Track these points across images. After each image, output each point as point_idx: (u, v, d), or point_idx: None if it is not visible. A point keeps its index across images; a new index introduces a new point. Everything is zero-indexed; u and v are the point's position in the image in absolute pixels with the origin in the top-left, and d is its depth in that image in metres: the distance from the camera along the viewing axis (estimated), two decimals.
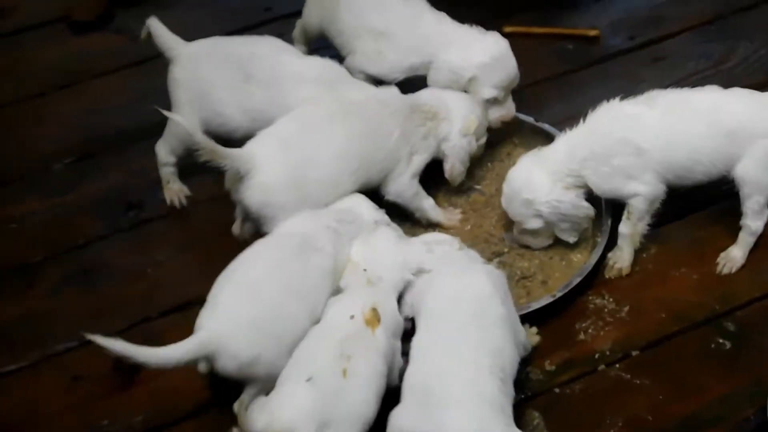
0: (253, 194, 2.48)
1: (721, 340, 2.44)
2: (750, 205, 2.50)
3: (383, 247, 2.41)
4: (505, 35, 3.21)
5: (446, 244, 2.42)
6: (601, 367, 2.41)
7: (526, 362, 2.36)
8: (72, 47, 3.47)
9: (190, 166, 2.70)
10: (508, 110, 2.87)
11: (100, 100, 3.24)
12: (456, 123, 2.70)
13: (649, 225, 2.56)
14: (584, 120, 2.58)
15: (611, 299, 2.55)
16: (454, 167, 2.70)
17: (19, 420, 2.40)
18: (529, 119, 2.92)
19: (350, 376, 2.14)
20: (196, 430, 2.36)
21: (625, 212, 2.54)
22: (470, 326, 2.16)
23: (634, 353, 2.44)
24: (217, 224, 2.70)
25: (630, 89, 3.01)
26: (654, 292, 2.56)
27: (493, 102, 2.82)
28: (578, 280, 2.51)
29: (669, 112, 2.50)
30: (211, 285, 2.30)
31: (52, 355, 2.52)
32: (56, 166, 3.04)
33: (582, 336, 2.48)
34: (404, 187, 2.63)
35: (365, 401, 2.14)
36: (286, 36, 3.06)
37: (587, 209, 2.54)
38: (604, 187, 2.53)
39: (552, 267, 2.62)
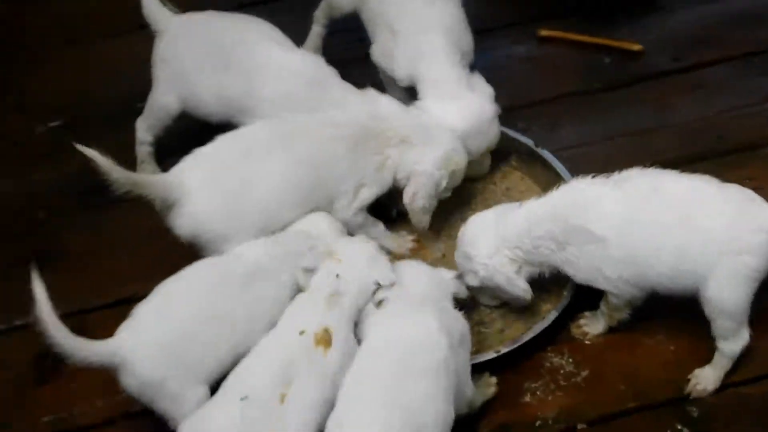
0: (183, 223, 2.33)
1: (679, 426, 2.21)
2: (717, 329, 2.21)
3: (359, 262, 2.24)
4: (539, 39, 3.02)
5: (419, 275, 2.24)
6: None
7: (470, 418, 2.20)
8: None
9: (167, 148, 2.59)
10: (481, 168, 2.66)
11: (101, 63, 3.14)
12: (434, 152, 2.46)
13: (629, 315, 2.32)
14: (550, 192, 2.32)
15: (571, 360, 2.34)
16: (416, 196, 2.45)
17: None
18: (529, 143, 2.68)
19: (288, 402, 2.01)
20: None
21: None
22: (392, 376, 1.98)
23: (579, 426, 2.23)
24: None
25: (657, 119, 2.81)
26: (620, 360, 2.34)
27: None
28: (528, 337, 2.31)
29: (635, 198, 2.21)
30: (157, 285, 2.19)
31: None
32: (39, 128, 2.95)
33: (528, 398, 2.29)
34: (348, 219, 2.43)
35: (304, 426, 2.01)
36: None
37: (523, 291, 2.30)
38: (579, 276, 2.27)
39: (514, 316, 2.41)
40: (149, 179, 2.33)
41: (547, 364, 2.34)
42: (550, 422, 2.24)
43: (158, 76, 2.65)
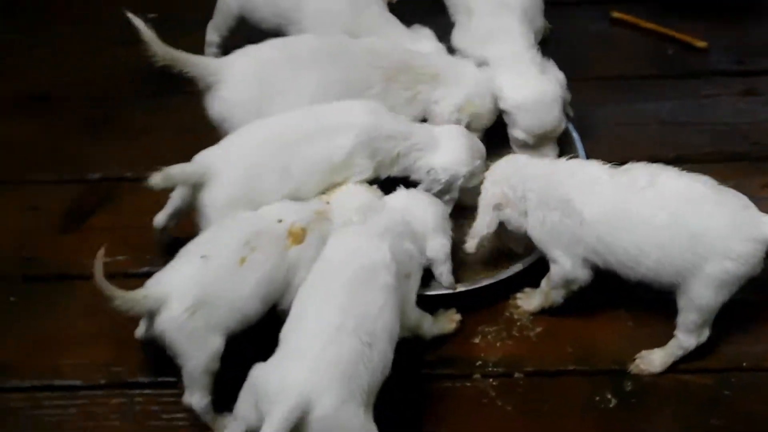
0: (216, 106, 2.50)
1: (608, 396, 2.29)
2: (683, 320, 2.26)
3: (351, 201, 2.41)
4: (611, 20, 3.10)
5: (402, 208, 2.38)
6: (476, 375, 2.34)
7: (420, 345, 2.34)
8: None
9: None
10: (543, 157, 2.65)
11: None
12: (455, 94, 2.60)
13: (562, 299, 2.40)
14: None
15: (530, 316, 2.44)
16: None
17: None
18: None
19: (246, 266, 2.17)
20: None
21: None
22: (347, 289, 2.11)
23: (516, 375, 2.34)
24: None
25: (699, 115, 2.85)
26: (575, 325, 2.42)
27: (523, 144, 2.65)
28: (486, 282, 2.42)
29: (629, 189, 2.26)
30: None
31: None
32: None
33: (478, 339, 2.40)
34: None
35: (251, 297, 2.17)
36: None
37: (483, 225, 2.38)
38: (541, 241, 2.34)
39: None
40: (190, 58, 2.48)
41: (506, 314, 2.45)
42: (490, 365, 2.35)
43: None
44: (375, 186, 2.48)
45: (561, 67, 2.73)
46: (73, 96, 3.08)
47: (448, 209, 2.51)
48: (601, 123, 2.86)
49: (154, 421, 2.28)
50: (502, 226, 2.39)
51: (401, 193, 2.43)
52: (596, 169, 2.32)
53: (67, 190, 2.77)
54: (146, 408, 2.31)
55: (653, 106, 2.92)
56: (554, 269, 2.34)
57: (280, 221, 2.27)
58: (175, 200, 2.44)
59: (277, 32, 2.78)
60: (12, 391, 2.35)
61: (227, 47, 2.87)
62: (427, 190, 2.48)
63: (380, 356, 2.04)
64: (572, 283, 2.34)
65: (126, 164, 2.81)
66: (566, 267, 2.31)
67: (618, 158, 2.37)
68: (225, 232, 2.23)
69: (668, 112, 2.91)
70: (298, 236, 2.27)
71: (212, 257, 2.15)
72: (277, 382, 1.94)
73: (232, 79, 2.50)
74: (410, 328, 2.29)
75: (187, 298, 2.10)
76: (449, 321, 2.40)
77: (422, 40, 2.73)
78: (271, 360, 2.02)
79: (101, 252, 2.09)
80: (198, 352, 2.12)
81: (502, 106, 2.62)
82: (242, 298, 2.16)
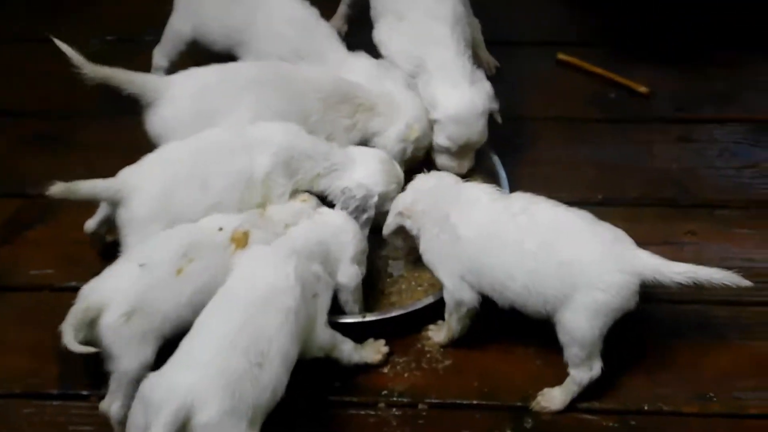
0: (154, 123, 2.59)
1: (508, 431, 2.33)
2: (568, 354, 2.29)
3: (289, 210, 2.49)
4: (557, 61, 3.15)
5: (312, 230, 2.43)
6: (381, 404, 2.38)
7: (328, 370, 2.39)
8: None
9: None
10: (458, 167, 2.75)
11: None
12: (397, 124, 2.68)
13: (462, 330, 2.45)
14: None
15: (441, 348, 2.49)
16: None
17: None
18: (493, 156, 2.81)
19: (183, 277, 2.25)
20: None
21: None
22: (245, 308, 2.16)
23: (420, 406, 2.38)
24: None
25: (633, 160, 2.90)
26: (485, 360, 2.46)
27: (445, 150, 2.74)
28: (394, 313, 2.47)
29: (503, 215, 2.32)
30: None
31: None
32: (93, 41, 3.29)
33: (387, 369, 2.44)
34: None
35: (187, 305, 2.24)
36: None
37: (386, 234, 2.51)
38: (425, 256, 2.42)
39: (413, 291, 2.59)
40: (130, 75, 2.57)
41: (418, 345, 2.49)
42: (395, 395, 2.39)
43: (177, 5, 2.96)
44: (311, 196, 2.56)
45: (502, 105, 2.81)
46: (30, 112, 3.16)
47: (365, 230, 2.56)
48: (533, 162, 2.91)
49: None
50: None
51: (334, 213, 2.50)
52: (478, 190, 2.39)
53: (7, 204, 2.84)
54: (55, 419, 2.36)
55: (589, 149, 2.97)
56: (444, 293, 2.39)
57: (220, 229, 2.34)
58: (104, 208, 2.53)
59: (227, 55, 2.86)
60: None
61: (174, 70, 2.93)
62: (344, 208, 2.54)
63: (271, 377, 2.10)
64: (461, 306, 2.37)
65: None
66: (449, 287, 2.37)
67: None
68: (164, 242, 2.31)
69: (603, 155, 2.95)
70: (241, 241, 2.34)
71: (150, 267, 2.24)
72: (163, 388, 2.01)
73: (171, 98, 2.58)
74: (322, 348, 2.33)
75: (123, 304, 2.19)
76: (375, 352, 2.44)
77: (362, 65, 2.79)
78: (161, 369, 2.07)
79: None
80: (131, 357, 2.20)
81: (433, 115, 2.71)
82: (178, 306, 2.23)
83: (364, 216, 2.57)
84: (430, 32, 2.77)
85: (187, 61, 2.93)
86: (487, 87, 2.75)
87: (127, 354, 2.19)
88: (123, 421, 2.20)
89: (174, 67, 2.96)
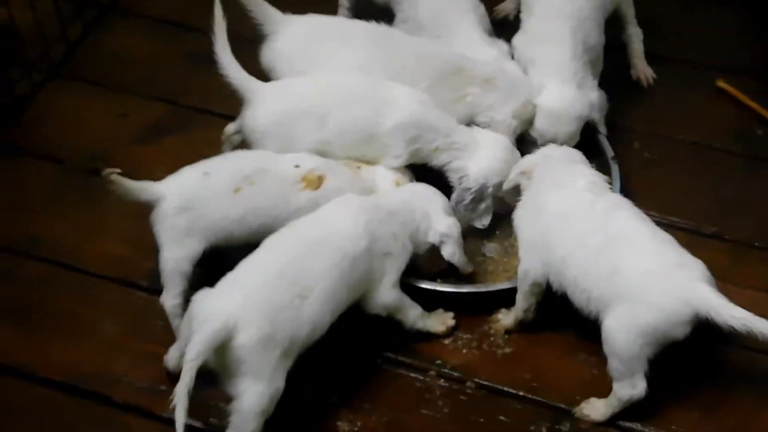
0: (267, 54, 2.70)
1: (543, 429, 2.36)
2: (610, 365, 2.30)
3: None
4: (716, 88, 3.09)
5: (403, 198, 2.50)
6: (431, 372, 2.45)
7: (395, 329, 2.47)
8: None
9: None
10: None
11: None
12: (514, 99, 2.70)
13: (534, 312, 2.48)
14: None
15: (506, 335, 2.53)
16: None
17: None
18: (610, 153, 2.78)
19: (239, 195, 2.39)
20: None
21: None
22: (304, 244, 2.28)
23: (467, 383, 2.44)
24: None
25: (755, 200, 2.83)
26: (544, 357, 2.49)
27: (532, 142, 2.76)
28: (465, 289, 2.53)
29: (588, 201, 2.36)
30: None
31: None
32: None
33: (448, 342, 2.51)
34: None
35: (238, 222, 2.38)
36: None
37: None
38: (516, 216, 2.50)
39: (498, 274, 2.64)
40: (262, 5, 2.70)
41: (485, 327, 2.54)
42: (448, 367, 2.46)
43: None
44: (409, 173, 2.63)
45: (644, 119, 2.81)
46: (195, 28, 3.25)
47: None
48: (657, 178, 2.88)
49: None
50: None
51: (420, 185, 2.57)
52: (582, 175, 2.43)
53: (155, 107, 3.06)
54: (137, 307, 2.57)
55: (718, 180, 2.90)
56: (519, 267, 2.44)
57: (297, 166, 2.46)
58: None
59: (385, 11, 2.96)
60: None
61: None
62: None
63: (311, 313, 2.21)
64: (527, 276, 2.41)
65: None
66: (521, 255, 2.43)
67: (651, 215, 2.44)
68: (234, 160, 2.47)
69: (730, 190, 2.88)
70: (312, 182, 2.45)
71: (211, 177, 2.39)
72: (210, 306, 2.15)
73: (286, 36, 2.69)
74: (386, 307, 2.41)
75: (176, 199, 2.36)
76: (440, 323, 2.51)
77: (486, 48, 2.82)
78: (214, 287, 2.21)
79: None
80: (173, 247, 2.37)
81: (535, 101, 2.73)
82: (227, 220, 2.38)
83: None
84: (552, 30, 2.77)
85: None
86: (593, 96, 2.76)
87: (170, 244, 2.36)
88: (178, 314, 2.38)
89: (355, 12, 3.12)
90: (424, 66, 2.68)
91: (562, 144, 2.69)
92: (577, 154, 2.56)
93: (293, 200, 2.43)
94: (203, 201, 2.37)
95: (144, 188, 2.37)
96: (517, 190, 2.53)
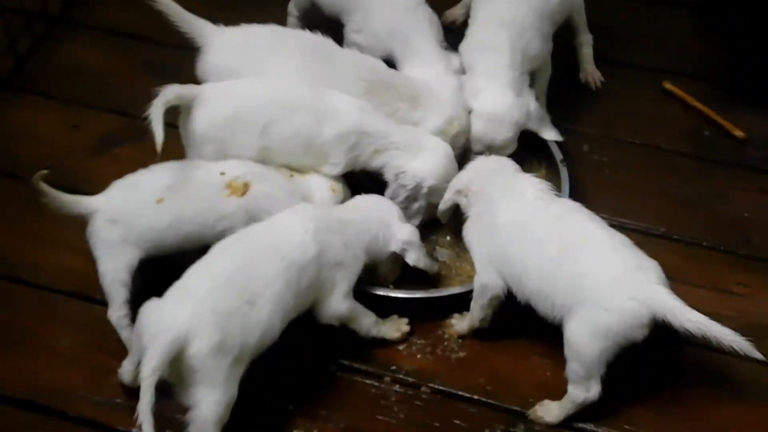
0: (201, 67, 2.72)
1: None
2: (568, 369, 2.32)
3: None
4: (662, 90, 3.14)
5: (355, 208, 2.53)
6: (386, 378, 2.48)
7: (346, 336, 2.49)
8: None
9: None
10: None
11: None
12: (436, 118, 2.71)
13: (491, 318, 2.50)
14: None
15: (460, 339, 2.56)
16: None
17: None
18: (559, 157, 2.81)
19: (162, 205, 2.40)
20: None
21: None
22: (251, 251, 2.29)
23: (422, 388, 2.46)
24: None
25: (705, 202, 2.88)
26: (498, 360, 2.52)
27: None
28: (418, 295, 2.55)
29: (541, 209, 2.39)
30: None
31: None
32: None
33: (402, 348, 2.53)
34: None
35: (166, 231, 2.40)
36: None
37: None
38: (467, 237, 2.51)
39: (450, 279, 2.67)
40: (186, 16, 2.70)
41: (439, 332, 2.56)
42: (402, 373, 2.48)
43: None
44: (342, 188, 2.65)
45: (594, 122, 2.86)
46: (145, 37, 3.32)
47: (417, 220, 2.65)
48: (608, 180, 2.93)
49: None
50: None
51: (373, 195, 2.59)
52: (529, 184, 2.45)
53: (108, 119, 3.06)
54: (93, 322, 2.54)
55: (667, 181, 2.95)
56: (475, 278, 2.45)
57: (222, 173, 2.47)
58: None
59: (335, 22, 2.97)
60: None
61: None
62: (393, 197, 2.62)
63: (259, 319, 2.21)
64: (485, 291, 2.43)
65: None
66: (477, 269, 2.44)
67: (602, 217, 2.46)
68: (160, 171, 2.47)
69: (680, 190, 2.93)
70: (237, 189, 2.46)
71: (137, 188, 2.43)
72: (159, 319, 2.16)
73: (217, 47, 2.70)
74: (339, 318, 2.43)
75: (107, 212, 2.39)
76: (395, 330, 2.53)
77: (434, 59, 2.83)
78: (162, 297, 2.22)
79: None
80: (109, 259, 2.40)
81: (471, 105, 2.75)
82: (155, 230, 2.40)
83: (416, 205, 2.64)
84: (491, 39, 2.79)
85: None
86: (531, 105, 2.76)
87: (106, 257, 2.39)
88: (126, 326, 2.41)
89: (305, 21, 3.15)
90: (356, 79, 2.69)
91: (498, 151, 2.71)
92: (511, 163, 2.59)
93: (221, 207, 2.44)
94: (131, 213, 2.40)
95: (77, 202, 2.40)
96: (451, 211, 2.57)
